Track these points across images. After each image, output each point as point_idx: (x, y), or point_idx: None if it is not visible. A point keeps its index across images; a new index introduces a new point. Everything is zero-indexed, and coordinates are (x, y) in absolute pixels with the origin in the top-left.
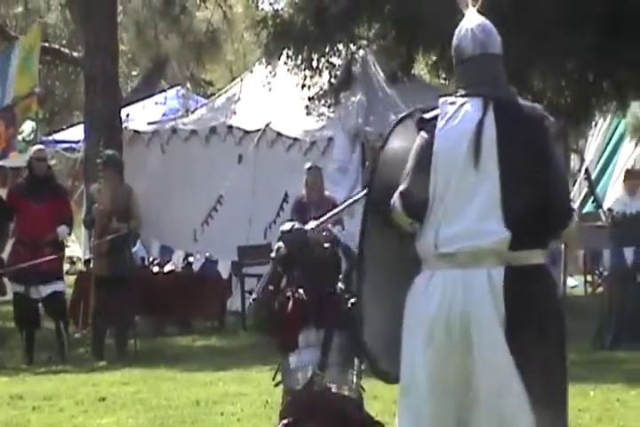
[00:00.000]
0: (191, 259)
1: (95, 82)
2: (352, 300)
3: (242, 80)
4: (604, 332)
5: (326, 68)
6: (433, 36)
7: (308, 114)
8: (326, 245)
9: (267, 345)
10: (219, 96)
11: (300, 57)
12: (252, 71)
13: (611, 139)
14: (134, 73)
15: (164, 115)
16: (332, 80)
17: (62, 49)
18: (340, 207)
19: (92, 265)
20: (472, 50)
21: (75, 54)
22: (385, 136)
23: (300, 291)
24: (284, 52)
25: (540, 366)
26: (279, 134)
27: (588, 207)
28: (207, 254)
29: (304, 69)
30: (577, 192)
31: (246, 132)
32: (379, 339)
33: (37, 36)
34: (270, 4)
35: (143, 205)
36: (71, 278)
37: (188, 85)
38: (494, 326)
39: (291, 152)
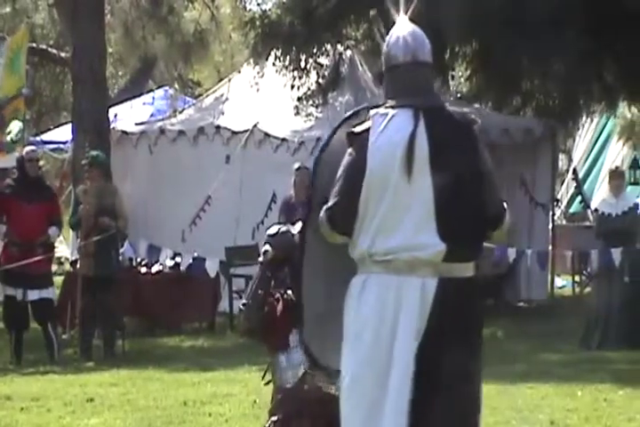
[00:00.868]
0: (179, 259)
1: (83, 82)
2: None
3: (229, 80)
4: (591, 332)
5: (314, 68)
6: None
7: (296, 114)
8: None
9: (255, 346)
10: (206, 96)
11: (287, 57)
12: (239, 71)
13: (598, 139)
14: (122, 73)
15: (151, 115)
16: (320, 80)
17: (50, 49)
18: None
19: (78, 266)
20: (402, 57)
21: (62, 55)
22: (326, 138)
23: (289, 292)
24: (272, 53)
25: (454, 378)
26: (267, 135)
27: (576, 207)
28: (195, 254)
29: (292, 70)
30: (565, 192)
31: (234, 132)
32: (317, 338)
33: (25, 37)
34: (258, 4)
35: (131, 206)
36: (59, 279)
37: (176, 86)
38: (413, 337)
39: (279, 152)
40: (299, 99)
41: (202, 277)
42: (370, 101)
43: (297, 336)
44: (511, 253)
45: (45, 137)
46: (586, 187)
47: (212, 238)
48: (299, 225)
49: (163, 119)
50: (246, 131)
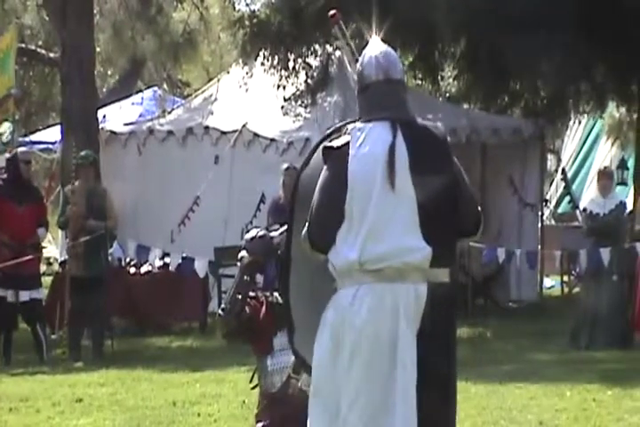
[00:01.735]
0: (168, 259)
1: (72, 83)
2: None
3: (218, 81)
4: (580, 332)
5: (303, 68)
6: (409, 37)
7: (284, 115)
8: None
9: (244, 347)
10: (195, 97)
11: (276, 57)
12: (228, 72)
13: (586, 139)
14: (111, 74)
15: (140, 115)
16: (309, 81)
17: (39, 50)
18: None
19: (67, 266)
20: (375, 76)
21: (51, 55)
22: (307, 156)
23: (275, 294)
24: (261, 53)
25: (442, 378)
26: (256, 135)
27: (564, 207)
28: (184, 254)
29: (280, 70)
30: (554, 192)
31: (223, 132)
32: (305, 338)
33: (14, 37)
34: (247, 4)
35: (120, 206)
36: (48, 279)
37: (165, 86)
38: (413, 341)
39: (267, 153)
40: (287, 99)
41: (191, 278)
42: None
43: (281, 339)
44: (500, 253)
45: (34, 137)
46: (574, 187)
47: (200, 239)
48: (282, 229)
49: (152, 119)
50: (235, 131)
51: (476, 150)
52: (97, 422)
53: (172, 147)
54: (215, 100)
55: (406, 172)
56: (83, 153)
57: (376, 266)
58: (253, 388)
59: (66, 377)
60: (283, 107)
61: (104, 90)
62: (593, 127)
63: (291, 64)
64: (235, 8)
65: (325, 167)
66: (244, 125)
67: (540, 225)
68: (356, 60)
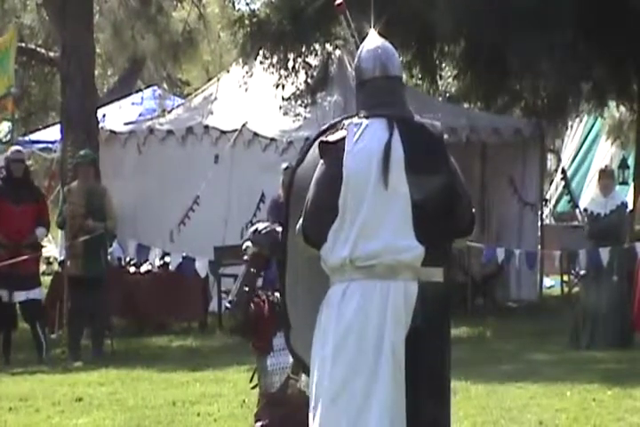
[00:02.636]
0: (168, 258)
1: (71, 82)
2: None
3: (218, 80)
4: (580, 332)
5: (303, 67)
6: (409, 36)
7: (284, 114)
8: None
9: (244, 346)
10: (195, 96)
11: (276, 57)
12: (228, 71)
13: (586, 139)
14: (111, 73)
15: (140, 115)
16: (309, 80)
17: (38, 49)
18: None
19: (67, 265)
20: (372, 71)
21: (51, 54)
22: (302, 151)
23: (276, 294)
24: (261, 52)
25: (435, 377)
26: (256, 134)
27: (564, 207)
28: (184, 254)
29: (280, 69)
30: (554, 192)
31: (223, 132)
32: (303, 338)
33: (13, 37)
34: (247, 3)
35: (120, 205)
36: (47, 279)
37: (165, 85)
38: (401, 338)
39: (267, 152)
40: (287, 98)
41: (191, 277)
42: None
43: (281, 339)
44: (500, 253)
45: (34, 137)
46: (574, 186)
47: (200, 238)
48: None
49: (151, 119)
50: (235, 130)
51: (475, 150)
52: (97, 421)
53: (172, 146)
54: (215, 99)
55: (401, 170)
56: (82, 152)
57: (366, 263)
58: (253, 388)
59: (65, 377)
60: (282, 106)
61: (104, 89)
62: (593, 126)
63: (290, 63)
64: (234, 7)
65: (321, 162)
66: (243, 125)
67: (539, 225)
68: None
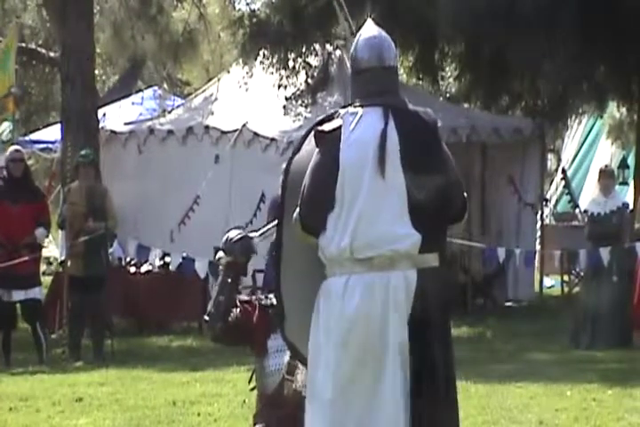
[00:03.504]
0: (168, 259)
1: (72, 82)
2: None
3: (219, 80)
4: (580, 332)
5: (303, 68)
6: (410, 37)
7: (284, 114)
8: None
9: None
10: (195, 96)
11: (276, 57)
12: (228, 71)
13: (586, 138)
14: (111, 73)
15: (140, 115)
16: (309, 80)
17: (39, 49)
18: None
19: (68, 265)
20: (368, 61)
21: (51, 54)
22: (298, 142)
23: (270, 295)
24: (261, 52)
25: (442, 363)
26: (256, 134)
27: (564, 207)
28: (184, 254)
29: (280, 69)
30: (554, 192)
31: (223, 132)
32: (298, 330)
33: (14, 37)
34: (247, 3)
35: (120, 206)
36: (48, 279)
37: (165, 85)
38: (404, 328)
39: (267, 152)
40: (287, 98)
41: (191, 278)
42: None
43: (275, 342)
44: (500, 252)
45: (34, 136)
46: (573, 186)
47: (200, 238)
48: (256, 232)
49: (152, 119)
50: (235, 131)
51: (476, 150)
52: (97, 421)
53: (173, 146)
54: (215, 99)
55: (397, 158)
56: (83, 152)
57: (365, 254)
58: (252, 389)
59: (66, 377)
60: (284, 106)
61: (104, 89)
62: (593, 126)
63: (291, 64)
64: (235, 7)
65: (317, 151)
66: (244, 125)
67: (540, 225)
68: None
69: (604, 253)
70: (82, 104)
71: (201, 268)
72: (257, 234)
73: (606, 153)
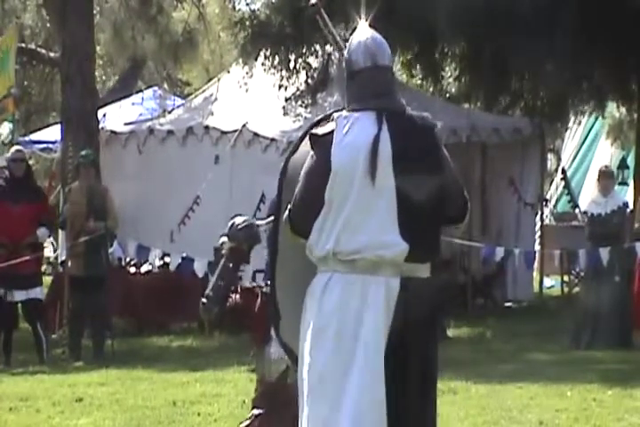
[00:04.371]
0: (168, 259)
1: (72, 82)
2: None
3: (219, 80)
4: (580, 332)
5: (303, 68)
6: (410, 37)
7: (284, 114)
8: None
9: (244, 346)
10: (195, 96)
11: (277, 57)
12: (228, 71)
13: (586, 138)
14: (111, 73)
15: (140, 115)
16: (309, 81)
17: (39, 49)
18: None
19: (68, 265)
20: (363, 62)
21: (51, 55)
22: (295, 143)
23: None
24: (261, 53)
25: (418, 371)
26: (256, 135)
27: (563, 207)
28: (184, 254)
29: (281, 70)
30: (554, 192)
31: (223, 132)
32: (292, 330)
33: (14, 37)
34: (247, 4)
35: (120, 206)
36: (48, 279)
37: (165, 86)
38: (381, 334)
39: (267, 153)
40: (287, 99)
41: (191, 278)
42: None
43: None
44: (500, 252)
45: (34, 137)
46: (573, 186)
47: (200, 238)
48: (262, 221)
49: (152, 119)
50: (235, 131)
51: (476, 150)
52: (97, 421)
53: (173, 146)
54: (215, 99)
55: (389, 164)
56: (83, 152)
57: (349, 257)
58: (253, 370)
59: (66, 377)
60: (284, 107)
61: (104, 89)
62: (593, 126)
63: (291, 64)
64: (235, 8)
65: (311, 154)
66: (244, 125)
67: (539, 225)
68: (340, 49)
69: (604, 253)
70: (82, 104)
71: (199, 268)
72: (263, 222)
73: (606, 153)
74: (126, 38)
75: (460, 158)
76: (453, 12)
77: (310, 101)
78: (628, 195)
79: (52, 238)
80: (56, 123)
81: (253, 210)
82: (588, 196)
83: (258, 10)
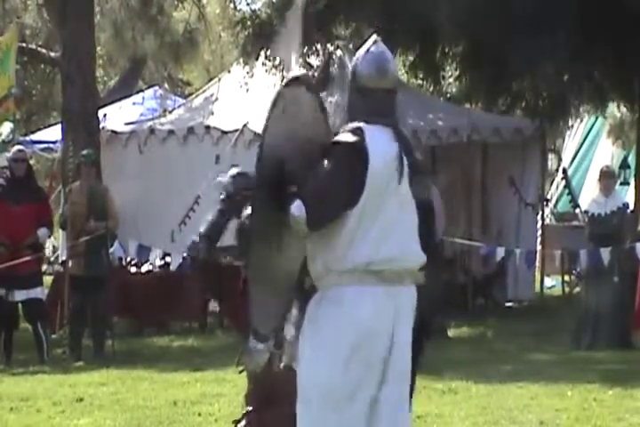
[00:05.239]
0: (168, 259)
1: (72, 82)
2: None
3: (219, 80)
4: (581, 332)
5: (303, 68)
6: (411, 37)
7: None
8: None
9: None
10: (196, 96)
11: (278, 58)
12: (229, 71)
13: (587, 138)
14: (112, 73)
15: (141, 115)
16: None
17: (39, 49)
18: None
19: (69, 265)
20: (375, 83)
21: (52, 54)
22: (272, 103)
23: None
24: (262, 53)
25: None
26: (257, 135)
27: (564, 207)
28: (184, 254)
29: (281, 70)
30: (554, 192)
31: (224, 132)
32: (260, 308)
33: (14, 37)
34: (247, 3)
35: (121, 206)
36: (48, 279)
37: (166, 86)
38: (409, 339)
39: None
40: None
41: (191, 277)
42: None
43: None
44: (500, 252)
45: (35, 137)
46: (573, 185)
47: None
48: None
49: (152, 119)
50: (236, 131)
51: (476, 150)
52: (97, 421)
53: (173, 146)
54: (216, 99)
55: (407, 177)
56: (84, 152)
57: (380, 267)
58: (241, 372)
59: (66, 377)
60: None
61: (105, 89)
62: (593, 126)
63: None
64: (236, 7)
65: (335, 158)
66: (244, 125)
67: (540, 224)
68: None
69: (605, 253)
70: (82, 104)
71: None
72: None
73: (607, 153)
74: (127, 38)
75: (461, 158)
76: (454, 12)
77: None
78: (629, 194)
79: (52, 238)
80: (57, 123)
81: None
82: (589, 195)
83: (258, 10)
